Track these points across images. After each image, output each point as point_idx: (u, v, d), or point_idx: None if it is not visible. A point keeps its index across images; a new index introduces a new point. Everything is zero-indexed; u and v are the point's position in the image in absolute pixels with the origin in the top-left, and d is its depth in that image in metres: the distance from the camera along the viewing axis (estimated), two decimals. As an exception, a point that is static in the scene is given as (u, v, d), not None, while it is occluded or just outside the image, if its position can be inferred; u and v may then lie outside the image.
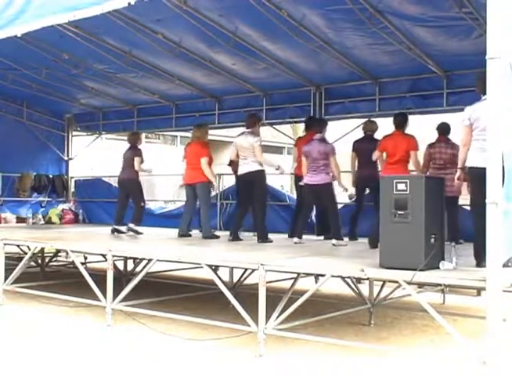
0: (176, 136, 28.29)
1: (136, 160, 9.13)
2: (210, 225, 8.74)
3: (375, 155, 7.87)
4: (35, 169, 12.88)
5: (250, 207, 8.19)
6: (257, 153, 7.85)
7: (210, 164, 8.57)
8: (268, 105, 10.54)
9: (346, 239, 7.77)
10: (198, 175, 8.48)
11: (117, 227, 9.14)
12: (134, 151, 9.30)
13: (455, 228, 7.50)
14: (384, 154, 7.84)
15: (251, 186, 7.90)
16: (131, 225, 9.03)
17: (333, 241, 7.40)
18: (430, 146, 7.98)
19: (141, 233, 8.93)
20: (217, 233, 8.75)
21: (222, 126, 11.46)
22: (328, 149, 7.72)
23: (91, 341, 5.80)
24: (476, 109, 5.00)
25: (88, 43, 8.65)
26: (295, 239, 7.69)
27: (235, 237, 7.98)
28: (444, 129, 7.98)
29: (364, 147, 8.17)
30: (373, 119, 8.80)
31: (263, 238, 7.77)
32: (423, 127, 10.58)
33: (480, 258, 4.76)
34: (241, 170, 8.06)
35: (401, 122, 7.71)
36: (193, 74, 9.91)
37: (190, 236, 8.68)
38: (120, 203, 9.47)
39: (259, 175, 7.91)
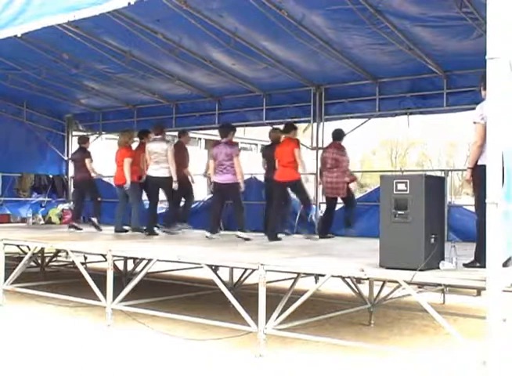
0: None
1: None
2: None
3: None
4: (35, 169, 12.90)
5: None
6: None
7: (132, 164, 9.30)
8: (268, 105, 10.56)
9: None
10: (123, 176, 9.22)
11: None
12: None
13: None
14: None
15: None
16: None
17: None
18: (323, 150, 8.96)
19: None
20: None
21: (222, 126, 11.44)
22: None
23: (91, 341, 5.80)
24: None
25: (88, 43, 8.66)
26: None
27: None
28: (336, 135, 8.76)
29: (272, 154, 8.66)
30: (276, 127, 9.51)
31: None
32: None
33: (479, 259, 4.75)
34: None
35: (289, 129, 8.46)
36: (193, 74, 9.91)
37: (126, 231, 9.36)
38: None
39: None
